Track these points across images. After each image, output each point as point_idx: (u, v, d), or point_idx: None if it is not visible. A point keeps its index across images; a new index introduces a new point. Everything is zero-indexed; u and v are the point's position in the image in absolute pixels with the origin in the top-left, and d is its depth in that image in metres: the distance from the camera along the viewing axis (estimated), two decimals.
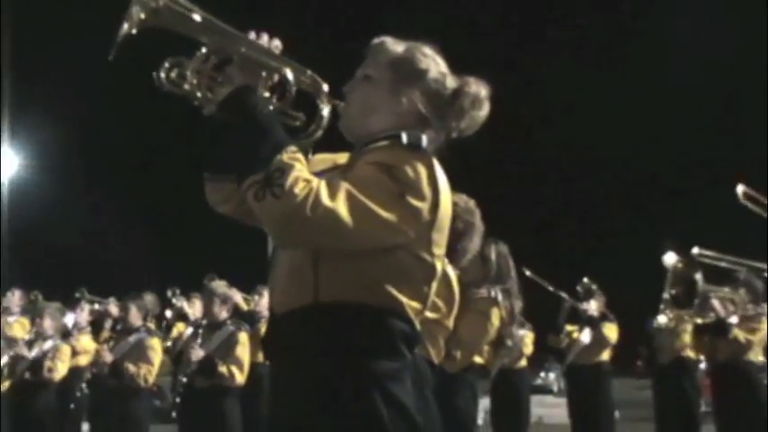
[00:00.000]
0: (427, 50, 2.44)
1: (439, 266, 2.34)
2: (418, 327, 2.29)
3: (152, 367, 6.79)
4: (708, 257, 6.09)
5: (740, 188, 4.99)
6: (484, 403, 12.40)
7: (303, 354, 2.19)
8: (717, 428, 6.86)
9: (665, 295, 7.61)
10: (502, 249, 4.80)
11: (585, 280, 8.90)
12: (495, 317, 4.44)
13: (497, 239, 4.77)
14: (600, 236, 43.00)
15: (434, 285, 2.33)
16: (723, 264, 6.06)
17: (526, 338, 9.56)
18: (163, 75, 2.29)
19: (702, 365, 8.55)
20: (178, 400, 6.27)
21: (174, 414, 6.42)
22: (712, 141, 40.73)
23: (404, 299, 2.24)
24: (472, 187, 4.08)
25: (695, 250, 6.08)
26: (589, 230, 44.51)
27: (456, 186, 4.00)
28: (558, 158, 46.52)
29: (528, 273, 8.51)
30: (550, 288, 8.84)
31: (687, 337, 7.57)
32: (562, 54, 47.41)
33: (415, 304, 2.27)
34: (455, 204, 3.85)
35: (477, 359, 4.55)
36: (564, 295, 8.80)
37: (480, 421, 13.52)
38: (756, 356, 6.84)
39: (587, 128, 42.42)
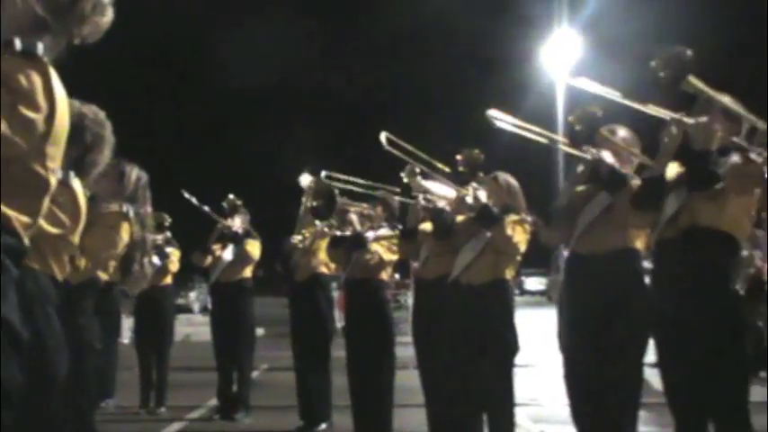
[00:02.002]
0: None
1: (53, 180, 2.27)
2: (26, 241, 2.22)
3: None
4: (337, 180, 6.37)
5: (383, 135, 5.27)
6: (129, 322, 12.33)
7: None
8: (346, 344, 7.18)
9: (301, 211, 7.91)
10: (142, 175, 4.73)
11: (231, 196, 8.92)
12: (125, 231, 4.37)
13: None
14: (245, 154, 43.64)
15: (47, 199, 2.27)
16: (352, 187, 6.36)
17: (172, 255, 9.52)
18: None
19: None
20: None
21: None
22: None
23: (12, 212, 2.15)
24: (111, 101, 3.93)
25: (323, 173, 6.33)
26: (235, 150, 45.09)
27: (89, 97, 3.86)
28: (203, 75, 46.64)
29: (185, 194, 8.54)
30: (205, 208, 8.78)
31: (322, 255, 7.86)
32: None
33: (25, 218, 2.18)
34: (84, 116, 3.74)
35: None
36: (207, 209, 8.77)
37: (126, 340, 13.45)
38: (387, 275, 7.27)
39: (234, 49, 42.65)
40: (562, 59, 20.77)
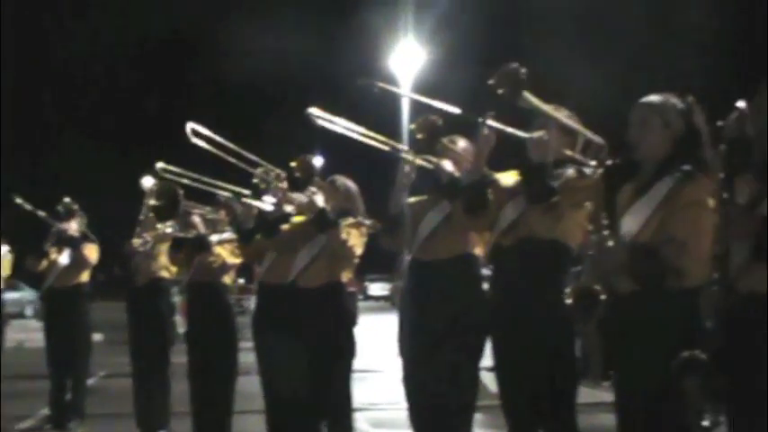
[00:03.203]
0: None
1: None
2: None
3: None
4: (171, 173, 6.23)
5: (189, 126, 5.19)
6: None
7: None
8: (188, 349, 7.08)
9: (143, 213, 7.73)
10: None
11: (67, 200, 8.66)
12: None
13: None
14: (85, 156, 42.36)
15: None
16: (186, 181, 6.23)
17: (4, 260, 9.17)
18: None
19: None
20: None
21: None
22: None
23: None
24: None
25: (159, 165, 6.19)
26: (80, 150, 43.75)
27: None
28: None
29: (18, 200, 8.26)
30: (39, 213, 8.50)
31: (163, 259, 7.72)
32: None
33: None
34: None
35: None
36: (43, 214, 8.51)
37: None
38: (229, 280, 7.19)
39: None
40: (407, 70, 21.11)
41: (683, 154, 3.84)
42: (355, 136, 5.09)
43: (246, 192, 6.25)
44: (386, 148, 5.13)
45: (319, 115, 5.01)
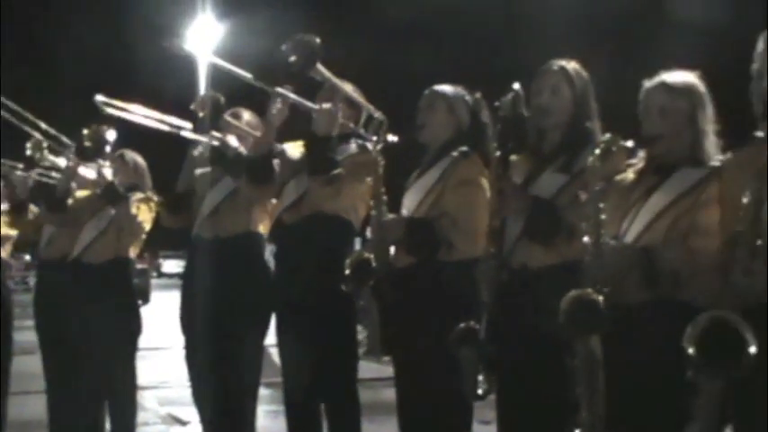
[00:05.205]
0: None
1: None
2: None
3: None
4: None
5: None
6: None
7: None
8: None
9: None
10: None
11: None
12: None
13: None
14: None
15: None
16: None
17: None
18: None
19: None
20: None
21: None
22: None
23: None
24: None
25: None
26: None
27: None
28: None
29: None
30: None
31: None
32: None
33: None
34: None
35: None
36: None
37: None
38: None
39: None
40: (204, 44, 20.71)
41: (466, 142, 4.04)
42: (140, 120, 4.96)
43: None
44: (169, 129, 5.02)
45: (108, 102, 4.84)
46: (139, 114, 4.97)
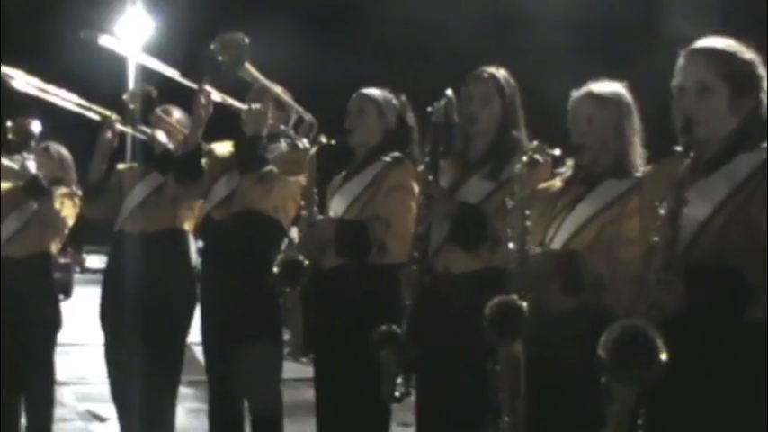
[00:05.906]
0: None
1: None
2: None
3: None
4: None
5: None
6: None
7: None
8: None
9: None
10: None
11: None
12: None
13: None
14: None
15: None
16: None
17: None
18: None
19: None
20: None
21: None
22: None
23: None
24: None
25: None
26: None
27: None
28: None
29: None
30: None
31: None
32: None
33: None
34: None
35: None
36: None
37: None
38: None
39: None
40: (133, 39, 20.42)
41: (393, 145, 4.07)
42: (70, 106, 4.89)
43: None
44: (98, 117, 4.97)
45: (9, 73, 4.74)
46: (71, 101, 4.88)
